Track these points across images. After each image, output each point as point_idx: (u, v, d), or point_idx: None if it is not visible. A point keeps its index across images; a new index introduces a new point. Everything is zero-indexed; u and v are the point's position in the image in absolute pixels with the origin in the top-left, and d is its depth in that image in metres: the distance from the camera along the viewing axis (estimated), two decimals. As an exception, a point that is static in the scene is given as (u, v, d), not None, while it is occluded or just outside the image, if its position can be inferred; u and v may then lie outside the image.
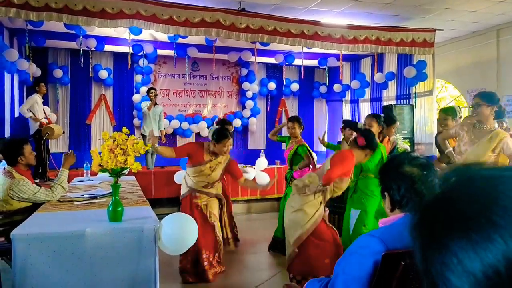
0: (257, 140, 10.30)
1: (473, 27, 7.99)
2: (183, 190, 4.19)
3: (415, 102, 7.94)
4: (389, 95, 8.81)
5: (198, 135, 9.70)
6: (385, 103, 8.71)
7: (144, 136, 7.78)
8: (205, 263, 3.95)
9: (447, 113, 4.69)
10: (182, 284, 3.92)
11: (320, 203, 3.43)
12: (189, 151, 4.14)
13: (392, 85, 8.67)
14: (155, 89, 8.13)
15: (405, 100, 8.36)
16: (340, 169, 3.31)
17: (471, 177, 0.58)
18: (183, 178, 4.28)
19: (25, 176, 3.46)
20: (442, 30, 7.39)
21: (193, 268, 3.98)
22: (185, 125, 9.47)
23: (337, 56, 8.35)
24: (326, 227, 3.49)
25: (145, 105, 7.89)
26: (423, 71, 7.65)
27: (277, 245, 4.90)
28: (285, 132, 6.25)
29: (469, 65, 8.57)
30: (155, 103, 7.85)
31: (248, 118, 10.03)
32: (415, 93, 7.96)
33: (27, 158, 3.53)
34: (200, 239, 3.61)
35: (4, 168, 3.53)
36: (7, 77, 6.90)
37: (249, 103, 10.05)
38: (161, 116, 8.08)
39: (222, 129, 4.28)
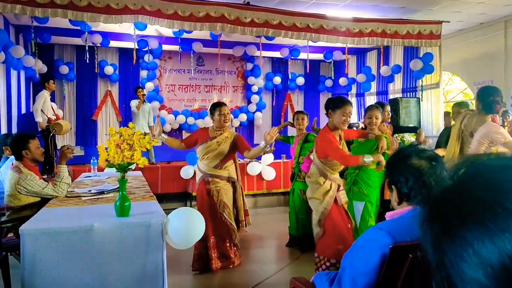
0: (263, 134, 10.24)
1: (480, 18, 7.90)
2: (197, 178, 4.26)
3: (421, 95, 7.89)
4: (395, 88, 8.76)
5: (204, 130, 9.70)
6: (391, 96, 8.66)
7: None
8: (211, 252, 3.98)
9: (461, 106, 4.74)
10: (190, 277, 3.94)
11: (329, 188, 3.52)
12: (195, 136, 4.22)
13: (398, 78, 8.62)
14: (143, 88, 8.24)
15: (411, 93, 8.30)
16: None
17: (482, 167, 0.57)
18: (197, 167, 4.32)
19: (33, 172, 3.48)
20: (449, 22, 7.32)
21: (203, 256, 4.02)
22: (190, 120, 9.49)
23: (342, 50, 8.31)
24: (338, 213, 3.55)
25: (134, 104, 7.98)
26: (430, 63, 7.59)
27: (294, 241, 4.91)
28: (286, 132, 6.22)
29: (476, 57, 8.48)
30: (144, 101, 7.93)
31: (254, 112, 10.02)
32: (422, 86, 7.91)
33: (32, 152, 3.52)
34: (208, 226, 3.67)
35: (13, 163, 3.55)
36: (13, 73, 6.94)
37: (255, 98, 10.04)
38: (150, 113, 8.16)
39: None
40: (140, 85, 9.11)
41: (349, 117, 3.46)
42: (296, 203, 4.87)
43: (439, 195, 0.59)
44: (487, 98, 3.55)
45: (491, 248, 0.49)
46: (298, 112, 5.31)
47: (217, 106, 4.08)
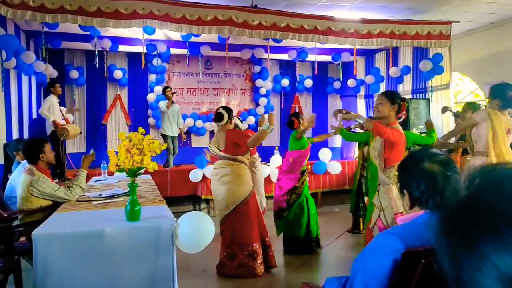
0: (271, 137, 10.22)
1: (490, 18, 7.82)
2: (248, 188, 4.09)
3: (431, 96, 7.83)
4: (404, 89, 8.69)
5: (212, 133, 9.73)
6: (400, 98, 8.59)
7: (164, 136, 7.83)
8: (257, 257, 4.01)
9: (473, 107, 4.90)
10: (200, 281, 3.95)
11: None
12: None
13: (408, 79, 8.56)
14: (171, 88, 8.17)
15: (421, 94, 8.24)
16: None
17: (499, 177, 0.56)
18: (244, 176, 4.13)
19: (45, 174, 3.53)
20: (459, 22, 7.25)
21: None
22: (199, 123, 9.51)
23: (351, 51, 8.27)
24: None
25: (163, 104, 7.91)
26: (440, 64, 7.53)
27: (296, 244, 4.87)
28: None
29: (486, 57, 8.40)
30: (172, 102, 7.87)
31: (262, 115, 10.03)
32: (431, 87, 7.85)
33: (47, 156, 3.61)
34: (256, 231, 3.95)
35: (25, 167, 3.61)
36: (24, 79, 7.01)
37: (263, 100, 10.04)
38: (179, 114, 8.12)
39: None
40: (148, 89, 9.14)
41: (377, 106, 3.41)
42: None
43: (455, 206, 0.58)
44: (506, 94, 3.68)
45: (509, 262, 0.48)
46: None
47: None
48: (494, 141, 3.76)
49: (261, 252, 4.01)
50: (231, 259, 3.96)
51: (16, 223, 3.58)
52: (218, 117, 4.20)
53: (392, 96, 3.40)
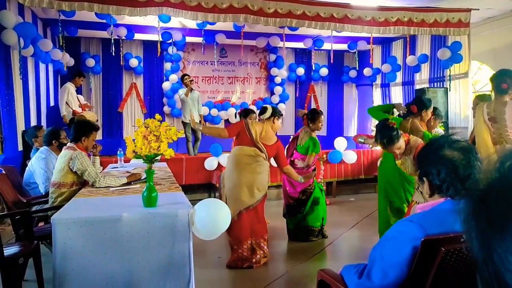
0: (286, 126, 10.25)
1: (510, 5, 7.62)
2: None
3: (449, 85, 7.70)
4: (421, 78, 8.57)
5: (227, 121, 9.75)
6: (417, 87, 8.48)
7: (184, 124, 7.82)
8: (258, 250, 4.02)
9: (483, 99, 4.74)
10: (215, 269, 3.98)
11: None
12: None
13: (425, 67, 8.43)
14: (189, 75, 8.12)
15: (439, 83, 8.11)
16: None
17: None
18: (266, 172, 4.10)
19: None
20: (478, 9, 7.08)
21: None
22: (214, 112, 9.53)
23: (367, 39, 8.16)
24: None
25: (182, 92, 7.89)
26: (458, 52, 7.39)
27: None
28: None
29: (506, 45, 8.19)
30: (191, 89, 7.83)
31: (277, 104, 9.98)
32: (450, 75, 7.71)
33: (88, 142, 3.78)
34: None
35: (66, 144, 3.81)
36: (42, 67, 7.09)
37: (278, 89, 10.00)
38: (199, 101, 8.08)
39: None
40: (163, 77, 9.17)
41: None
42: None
43: (485, 188, 0.56)
44: (496, 80, 3.75)
45: None
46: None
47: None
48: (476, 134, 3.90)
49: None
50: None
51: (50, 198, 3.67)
52: (262, 111, 4.18)
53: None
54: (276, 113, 4.14)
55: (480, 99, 4.91)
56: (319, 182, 4.96)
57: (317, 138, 4.83)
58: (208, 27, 7.48)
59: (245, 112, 5.31)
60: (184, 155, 7.62)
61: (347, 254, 4.60)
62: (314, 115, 4.80)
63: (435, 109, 4.58)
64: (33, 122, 6.37)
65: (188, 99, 7.74)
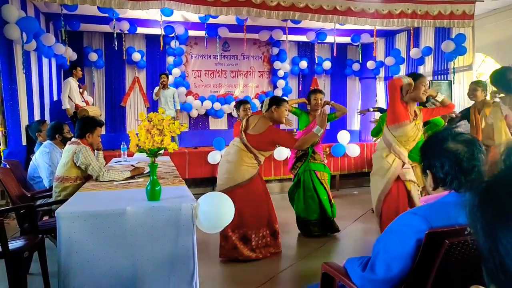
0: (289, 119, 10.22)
1: (516, -3, 7.56)
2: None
3: (453, 78, 7.66)
4: (425, 71, 8.51)
5: (230, 115, 9.74)
6: (421, 79, 8.42)
7: None
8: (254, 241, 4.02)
9: (478, 84, 4.86)
10: (219, 263, 3.99)
11: (391, 164, 3.55)
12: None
13: (429, 60, 8.37)
14: (166, 74, 8.38)
15: (443, 76, 8.06)
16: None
17: None
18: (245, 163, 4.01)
19: None
20: (482, 1, 7.02)
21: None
22: (217, 105, 9.52)
23: (370, 32, 8.11)
24: (396, 192, 3.58)
25: (154, 91, 8.25)
26: (462, 45, 7.34)
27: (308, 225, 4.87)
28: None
29: (510, 37, 8.14)
30: (164, 87, 8.15)
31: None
32: (454, 68, 7.67)
33: (93, 138, 3.78)
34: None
35: (71, 139, 3.82)
36: (45, 61, 7.10)
37: (281, 83, 9.97)
38: (174, 97, 8.36)
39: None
40: (166, 71, 9.16)
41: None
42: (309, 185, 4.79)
43: (491, 180, 0.56)
44: (504, 80, 3.83)
45: None
46: (316, 91, 4.98)
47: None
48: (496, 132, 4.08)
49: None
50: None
51: (39, 202, 3.69)
52: (262, 105, 4.18)
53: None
54: (273, 102, 4.02)
55: (476, 84, 4.95)
56: (323, 162, 4.89)
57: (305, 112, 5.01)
58: (211, 20, 7.45)
59: (238, 103, 5.45)
60: (187, 149, 7.64)
61: (350, 247, 4.61)
62: (309, 95, 4.98)
63: None
64: (37, 117, 6.38)
65: (160, 97, 8.17)
